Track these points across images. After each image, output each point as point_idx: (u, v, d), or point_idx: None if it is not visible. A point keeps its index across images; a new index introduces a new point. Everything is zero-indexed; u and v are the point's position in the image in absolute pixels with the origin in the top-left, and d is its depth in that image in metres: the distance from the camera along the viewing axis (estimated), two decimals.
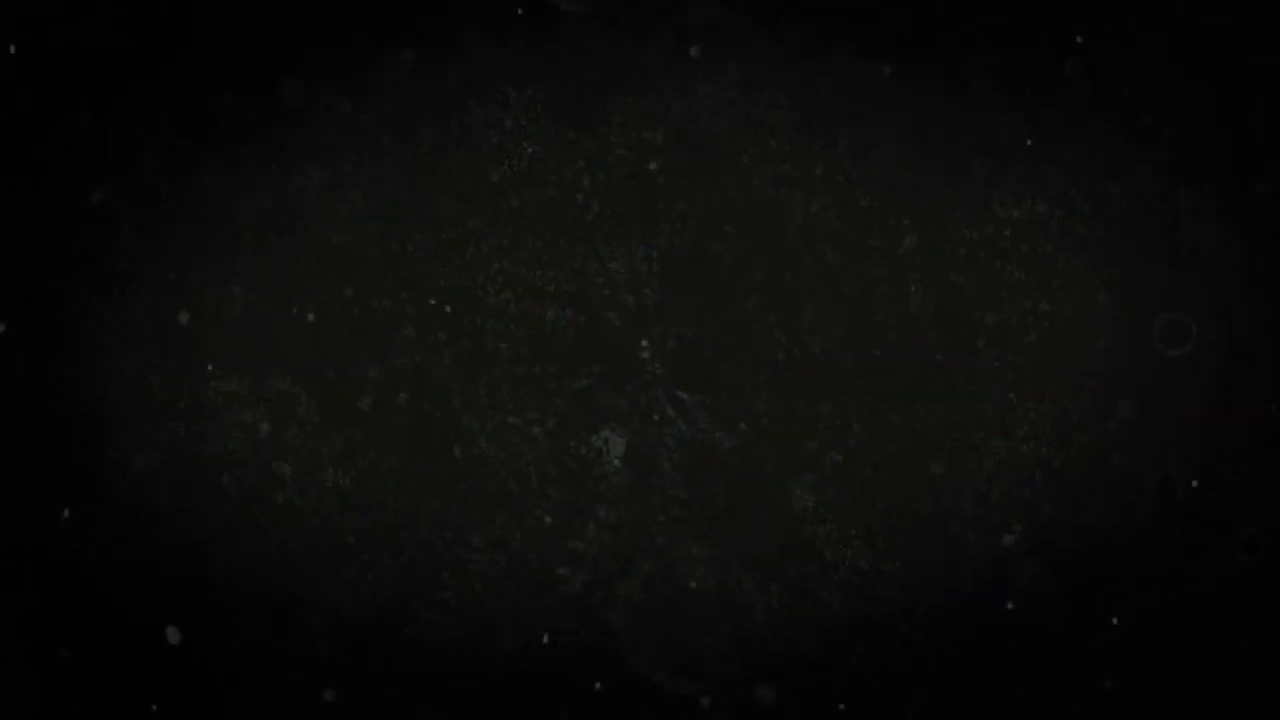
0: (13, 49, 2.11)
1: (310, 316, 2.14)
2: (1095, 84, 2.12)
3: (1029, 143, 2.12)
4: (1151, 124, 2.13)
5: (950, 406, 2.12)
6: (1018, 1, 2.13)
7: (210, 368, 2.14)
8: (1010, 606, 2.12)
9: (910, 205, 2.13)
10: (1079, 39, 2.12)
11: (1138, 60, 2.13)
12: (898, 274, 2.13)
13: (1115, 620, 2.13)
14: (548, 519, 2.13)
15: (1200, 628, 2.14)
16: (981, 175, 2.13)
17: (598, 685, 2.14)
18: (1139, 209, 2.13)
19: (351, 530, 2.13)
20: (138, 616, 2.15)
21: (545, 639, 2.13)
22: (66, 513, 2.14)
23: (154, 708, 2.17)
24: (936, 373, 2.12)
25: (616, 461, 2.13)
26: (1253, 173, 2.14)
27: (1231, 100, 2.14)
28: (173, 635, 2.14)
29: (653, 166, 2.13)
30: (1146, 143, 2.13)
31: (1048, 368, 2.12)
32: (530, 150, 2.14)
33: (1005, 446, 2.12)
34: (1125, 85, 2.13)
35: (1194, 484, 2.12)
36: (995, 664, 2.12)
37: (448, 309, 2.13)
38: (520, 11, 2.13)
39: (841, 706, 2.13)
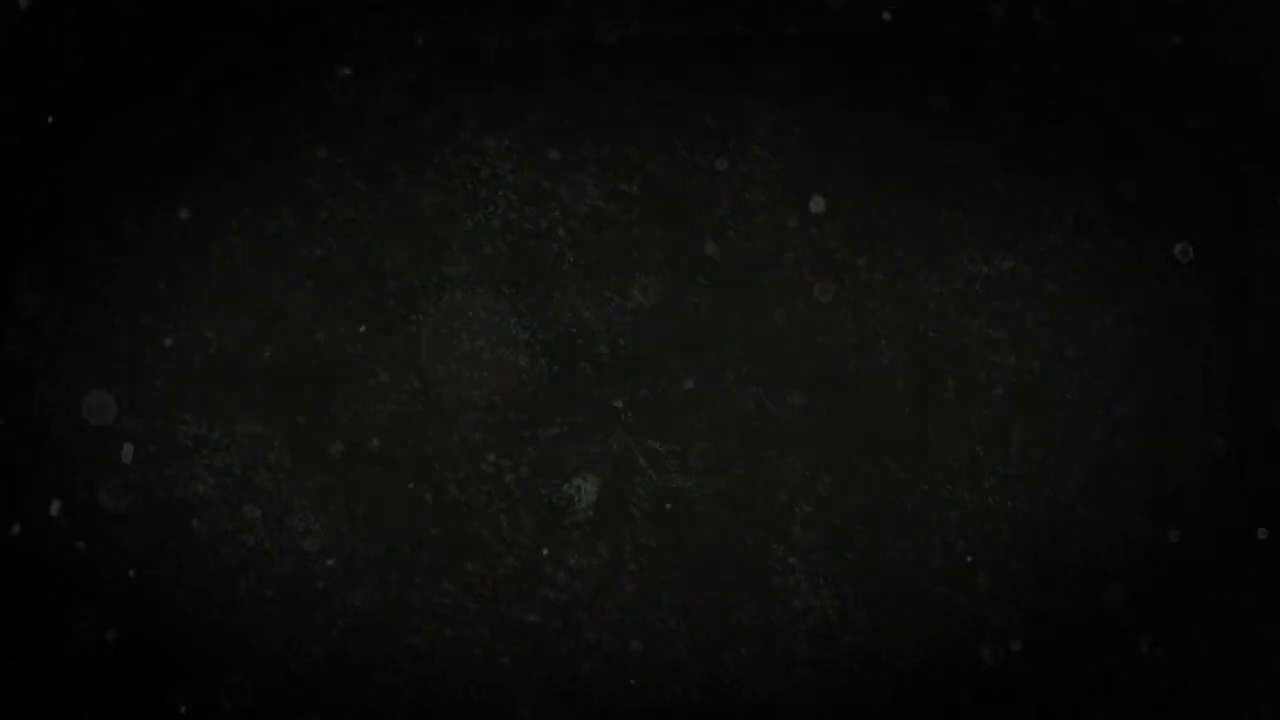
0: None
1: (283, 360, 2.13)
2: (1068, 139, 2.15)
3: (999, 199, 2.14)
4: (1122, 180, 2.16)
5: (918, 458, 2.14)
6: (992, 61, 2.16)
7: (180, 410, 2.13)
8: (980, 655, 2.14)
9: (882, 259, 2.15)
10: (1051, 100, 2.15)
11: (1110, 115, 2.16)
12: (868, 326, 2.14)
13: (1085, 668, 2.15)
14: (518, 565, 2.13)
15: (1170, 676, 2.17)
16: (952, 230, 2.15)
17: None
18: (1108, 266, 2.16)
19: (321, 575, 2.13)
20: (97, 652, 2.13)
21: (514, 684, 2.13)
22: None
23: None
24: (905, 425, 2.14)
25: (588, 509, 2.13)
26: (1234, 230, 2.17)
27: (1207, 158, 2.17)
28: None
29: (628, 216, 2.14)
30: (1115, 200, 2.16)
31: (1014, 422, 2.15)
32: (505, 198, 2.14)
33: (972, 499, 2.14)
34: (1097, 140, 2.16)
35: (1171, 538, 2.15)
36: (963, 713, 2.14)
37: (421, 358, 2.13)
38: (499, 58, 2.14)
39: None
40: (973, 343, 2.15)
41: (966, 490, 2.14)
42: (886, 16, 2.14)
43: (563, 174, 2.15)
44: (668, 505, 2.13)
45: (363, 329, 2.13)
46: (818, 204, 2.14)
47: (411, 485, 2.12)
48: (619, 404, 2.13)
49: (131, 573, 2.12)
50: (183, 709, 2.13)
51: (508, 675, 2.13)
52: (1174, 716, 2.17)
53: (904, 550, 2.14)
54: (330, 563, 2.13)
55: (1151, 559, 2.15)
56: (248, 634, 2.13)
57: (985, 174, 2.15)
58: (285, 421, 2.13)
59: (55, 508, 2.12)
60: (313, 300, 2.14)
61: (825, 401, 2.14)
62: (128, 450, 2.12)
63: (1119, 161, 2.16)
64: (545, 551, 2.13)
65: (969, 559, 2.13)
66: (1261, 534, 2.14)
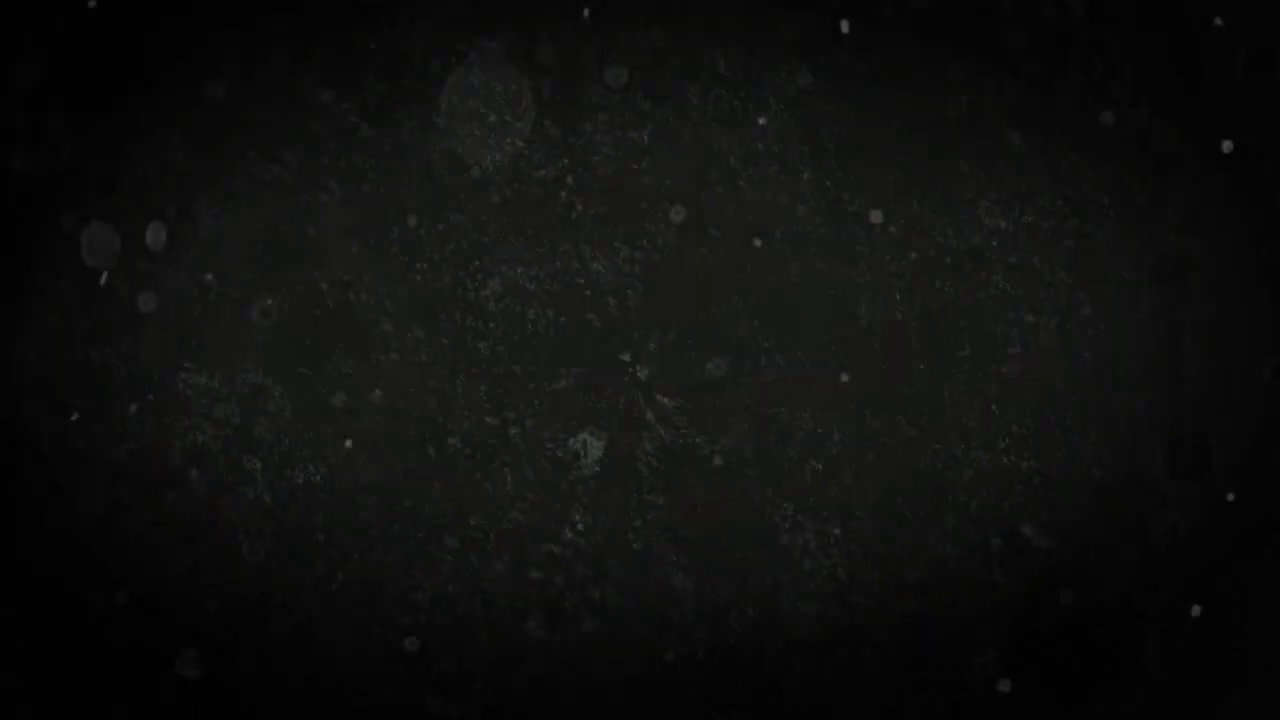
0: None
1: (284, 309, 2.09)
2: (1088, 92, 2.10)
3: (1017, 151, 2.10)
4: (1143, 133, 2.11)
5: (932, 416, 2.10)
6: (1009, 13, 2.11)
7: (180, 359, 2.09)
8: (992, 619, 2.10)
9: (897, 212, 2.10)
10: (1073, 48, 2.10)
11: (1132, 69, 2.11)
12: (883, 281, 2.10)
13: (1099, 630, 2.11)
14: (522, 521, 2.10)
15: (1182, 636, 2.13)
16: (970, 183, 2.10)
17: (571, 691, 2.11)
18: (1128, 221, 2.11)
19: (321, 529, 2.09)
20: (97, 613, 2.10)
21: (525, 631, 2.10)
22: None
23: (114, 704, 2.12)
24: (919, 382, 2.10)
25: (594, 464, 2.09)
26: (1253, 179, 2.12)
27: (1228, 108, 2.12)
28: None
29: (639, 166, 2.10)
30: (1136, 154, 2.11)
31: (1031, 379, 2.10)
32: (513, 145, 2.10)
33: (986, 458, 2.10)
34: (1118, 94, 2.11)
35: (1188, 497, 2.11)
36: (973, 676, 2.11)
37: (425, 305, 2.09)
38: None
39: (817, 716, 2.11)
40: (989, 299, 2.11)
41: (981, 450, 2.10)
42: None
43: (573, 121, 2.10)
44: (675, 461, 2.09)
45: (365, 277, 2.09)
46: (831, 154, 2.09)
47: (414, 437, 2.08)
48: (626, 358, 2.09)
49: (123, 525, 2.09)
50: (178, 665, 2.10)
51: (510, 633, 2.09)
52: (1191, 683, 2.13)
53: (916, 510, 2.10)
54: (330, 516, 2.09)
55: (1170, 520, 2.11)
56: (246, 588, 2.09)
57: (1003, 125, 2.10)
58: (286, 371, 2.09)
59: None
60: (315, 247, 2.09)
61: (837, 357, 2.09)
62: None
63: (1143, 113, 2.11)
64: (550, 507, 2.09)
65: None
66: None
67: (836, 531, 2.10)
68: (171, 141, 2.08)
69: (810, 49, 2.10)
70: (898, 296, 2.10)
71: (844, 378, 2.09)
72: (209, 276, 2.09)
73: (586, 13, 2.02)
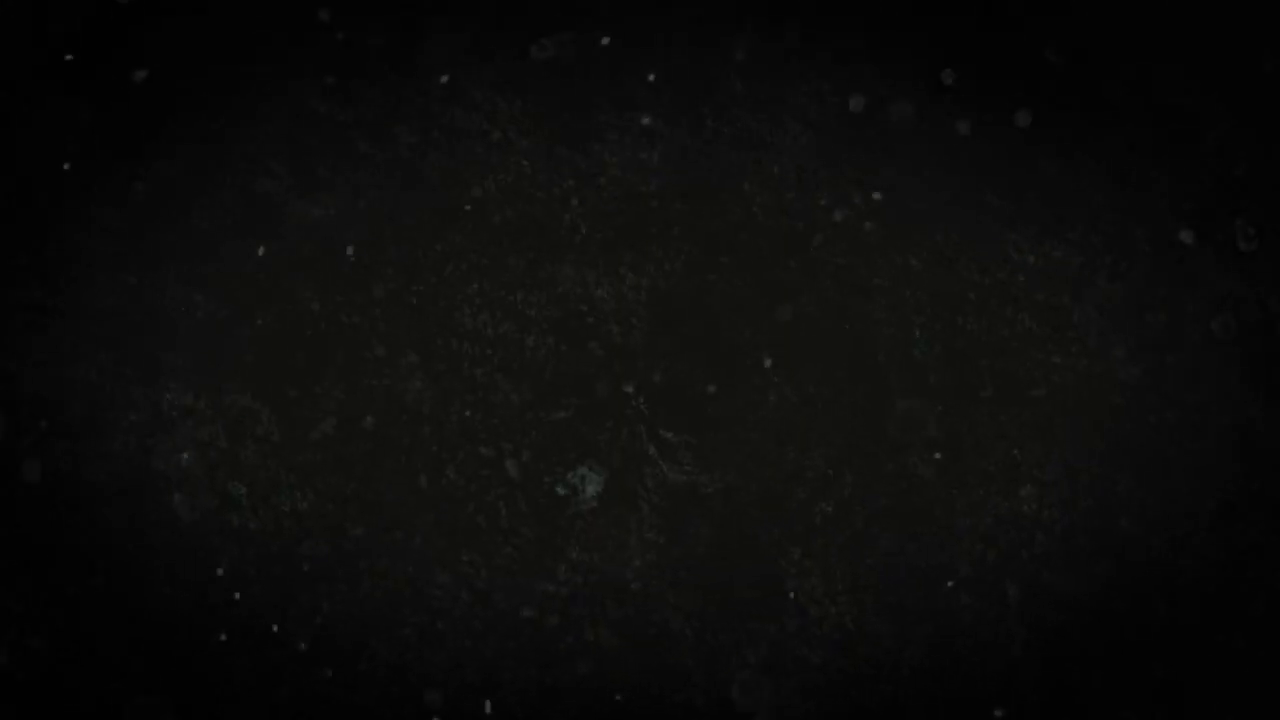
0: None
1: (273, 328, 2.01)
2: (1123, 123, 2.00)
3: (1048, 184, 1.99)
4: (1181, 167, 2.01)
5: (950, 460, 1.99)
6: (1038, 40, 2.00)
7: (165, 378, 2.02)
8: (1006, 677, 2.00)
9: (920, 243, 2.00)
10: (1104, 78, 2.00)
11: (1168, 101, 2.01)
12: (902, 316, 2.00)
13: (1116, 689, 2.01)
14: (516, 557, 2.01)
15: (1208, 690, 2.02)
16: (997, 215, 2.00)
17: None
18: (1161, 258, 2.00)
19: (308, 558, 2.01)
20: (73, 639, 2.03)
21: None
22: None
23: None
24: (938, 423, 2.00)
25: (592, 500, 2.00)
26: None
27: (1264, 143, 2.01)
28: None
29: (647, 188, 2.01)
30: (1174, 189, 2.00)
31: (1056, 424, 2.00)
32: (517, 164, 2.01)
33: (1006, 505, 2.00)
34: (1155, 126, 2.01)
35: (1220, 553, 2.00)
36: None
37: (421, 329, 2.01)
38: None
39: None
40: (1014, 338, 2.00)
41: (1000, 496, 2.00)
42: None
43: (579, 140, 2.01)
44: (678, 499, 2.00)
45: (358, 298, 2.01)
46: (851, 180, 1.99)
47: (405, 467, 2.00)
48: (630, 389, 2.00)
49: (109, 548, 2.02)
50: (156, 690, 2.03)
51: (499, 672, 2.01)
52: None
53: (930, 558, 1.99)
54: (317, 545, 2.01)
55: (1200, 578, 2.00)
56: (228, 615, 2.01)
57: (1034, 157, 2.00)
58: (275, 394, 2.01)
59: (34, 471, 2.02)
60: (306, 266, 2.01)
61: (852, 395, 1.99)
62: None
63: (1180, 148, 2.00)
64: (546, 543, 2.00)
65: (999, 570, 1.99)
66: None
67: (845, 578, 2.00)
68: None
69: (829, 71, 2.00)
70: (917, 333, 2.00)
71: (857, 416, 1.99)
72: (198, 296, 2.02)
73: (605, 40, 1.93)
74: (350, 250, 2.01)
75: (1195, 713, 2.02)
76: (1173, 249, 2.00)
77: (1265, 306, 1.99)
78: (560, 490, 2.01)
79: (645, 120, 2.01)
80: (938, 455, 2.00)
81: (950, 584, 1.99)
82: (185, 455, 2.02)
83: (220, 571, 2.01)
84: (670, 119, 2.01)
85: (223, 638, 2.01)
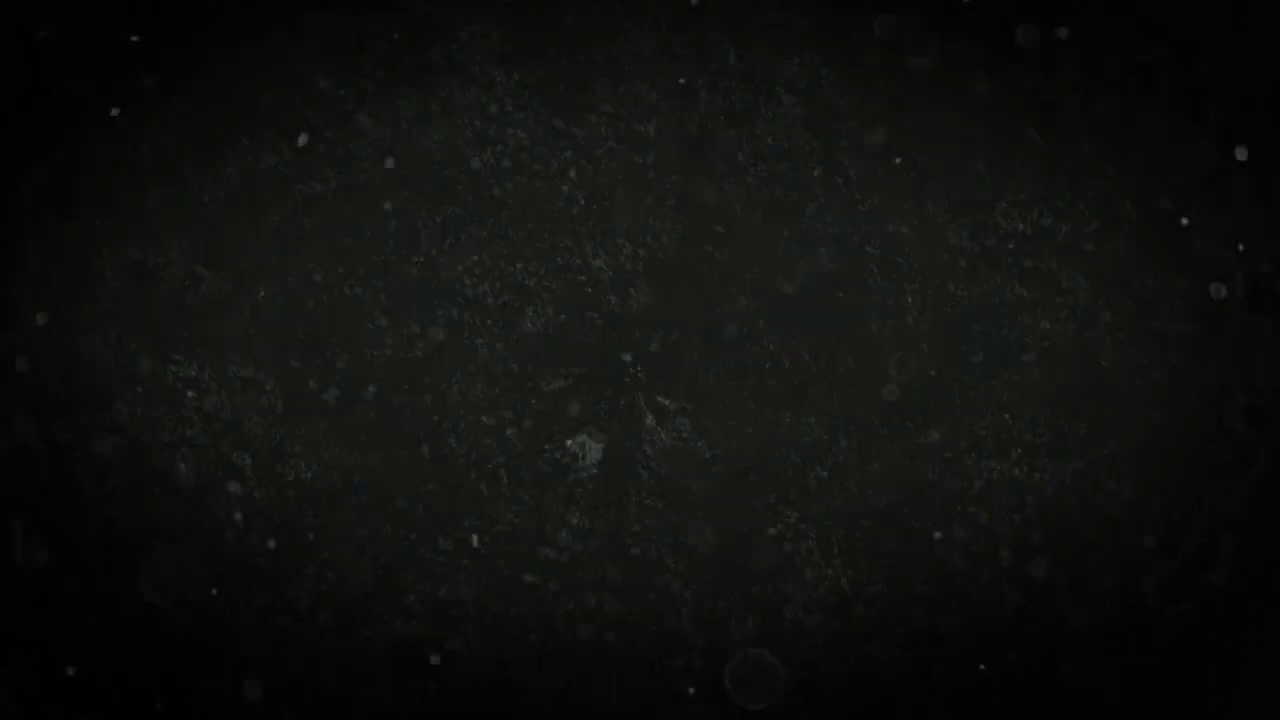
0: None
1: (277, 301, 2.04)
2: (1103, 91, 2.04)
3: (1036, 151, 2.03)
4: (1167, 135, 2.04)
5: (942, 424, 2.03)
6: (1028, 11, 2.04)
7: (169, 350, 2.04)
8: (1001, 633, 2.04)
9: (910, 212, 2.03)
10: (1086, 45, 2.04)
11: (1151, 70, 2.05)
12: (895, 283, 2.03)
13: (1106, 651, 2.05)
14: (518, 524, 2.04)
15: (1187, 649, 2.07)
16: (986, 184, 2.04)
17: (564, 700, 2.05)
18: (1149, 225, 2.04)
19: (311, 527, 2.04)
20: (77, 610, 2.05)
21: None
22: None
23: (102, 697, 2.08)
24: (930, 388, 2.03)
25: (592, 467, 2.04)
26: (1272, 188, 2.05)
27: (1249, 115, 2.05)
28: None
29: (644, 160, 2.04)
30: (1159, 155, 2.04)
31: (1046, 388, 2.03)
32: (515, 137, 2.04)
33: (998, 468, 2.04)
34: (1136, 94, 2.04)
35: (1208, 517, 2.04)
36: (977, 691, 2.04)
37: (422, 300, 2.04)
38: None
39: None
40: (1004, 304, 2.04)
41: (992, 459, 2.03)
42: None
43: (576, 112, 2.04)
44: (676, 465, 2.03)
45: (360, 269, 2.03)
46: (844, 151, 2.03)
47: (407, 436, 2.03)
48: (628, 358, 2.03)
49: (107, 518, 2.04)
50: (164, 666, 2.05)
51: (502, 638, 2.04)
52: (1195, 709, 2.07)
53: (924, 521, 2.03)
54: (320, 514, 2.04)
55: (1186, 540, 2.04)
56: (233, 586, 2.04)
57: (1023, 124, 2.04)
58: (278, 365, 2.04)
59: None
60: (308, 237, 2.04)
61: (845, 362, 2.03)
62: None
63: (1170, 117, 2.04)
64: (547, 510, 2.03)
65: (992, 532, 2.03)
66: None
67: (841, 541, 2.04)
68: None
69: (823, 44, 2.03)
70: (909, 300, 2.03)
71: (852, 382, 2.03)
72: (201, 268, 2.04)
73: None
74: (351, 221, 2.03)
75: (1185, 673, 2.06)
76: (1160, 216, 2.04)
77: (1253, 272, 2.03)
78: (560, 458, 2.04)
79: (641, 92, 2.04)
80: (930, 420, 2.03)
81: (943, 546, 2.03)
82: (189, 426, 2.04)
83: (225, 539, 2.03)
84: (665, 91, 2.04)
85: (226, 606, 2.04)
